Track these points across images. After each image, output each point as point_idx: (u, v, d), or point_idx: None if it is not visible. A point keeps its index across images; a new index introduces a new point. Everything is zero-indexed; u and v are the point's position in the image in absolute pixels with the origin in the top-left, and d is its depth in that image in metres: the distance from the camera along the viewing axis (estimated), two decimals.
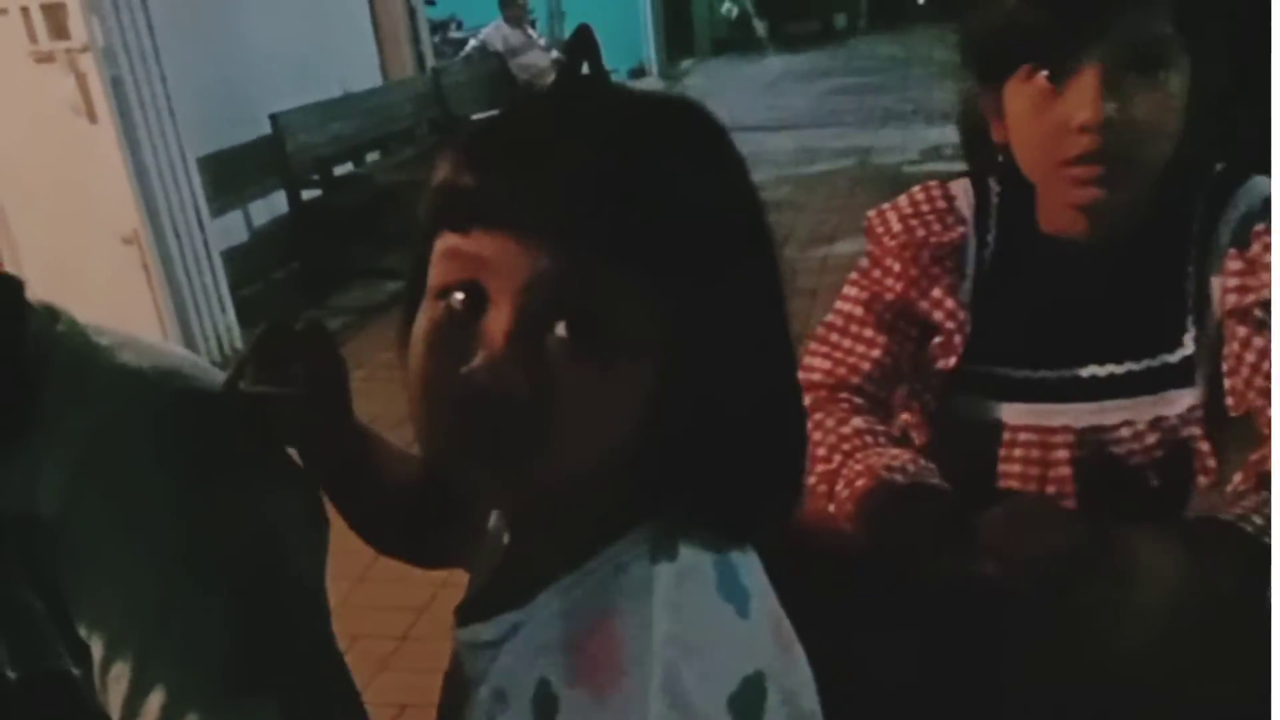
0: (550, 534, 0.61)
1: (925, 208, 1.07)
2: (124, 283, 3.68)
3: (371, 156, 5.79)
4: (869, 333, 1.07)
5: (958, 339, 1.02)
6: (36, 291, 0.74)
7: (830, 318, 1.11)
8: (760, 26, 14.25)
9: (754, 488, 0.59)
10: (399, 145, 5.98)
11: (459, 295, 0.53)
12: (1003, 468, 1.02)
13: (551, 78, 5.88)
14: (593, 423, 0.53)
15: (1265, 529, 0.84)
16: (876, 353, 1.07)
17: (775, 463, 0.60)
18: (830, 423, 1.04)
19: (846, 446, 1.01)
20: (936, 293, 1.04)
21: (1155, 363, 0.97)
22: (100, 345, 0.72)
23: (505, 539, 0.67)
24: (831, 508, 1.00)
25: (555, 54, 7.85)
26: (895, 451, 1.00)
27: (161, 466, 0.67)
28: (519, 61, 7.47)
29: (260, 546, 0.70)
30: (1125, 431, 0.98)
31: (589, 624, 0.55)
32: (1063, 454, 0.99)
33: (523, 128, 0.56)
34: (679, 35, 12.94)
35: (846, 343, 1.08)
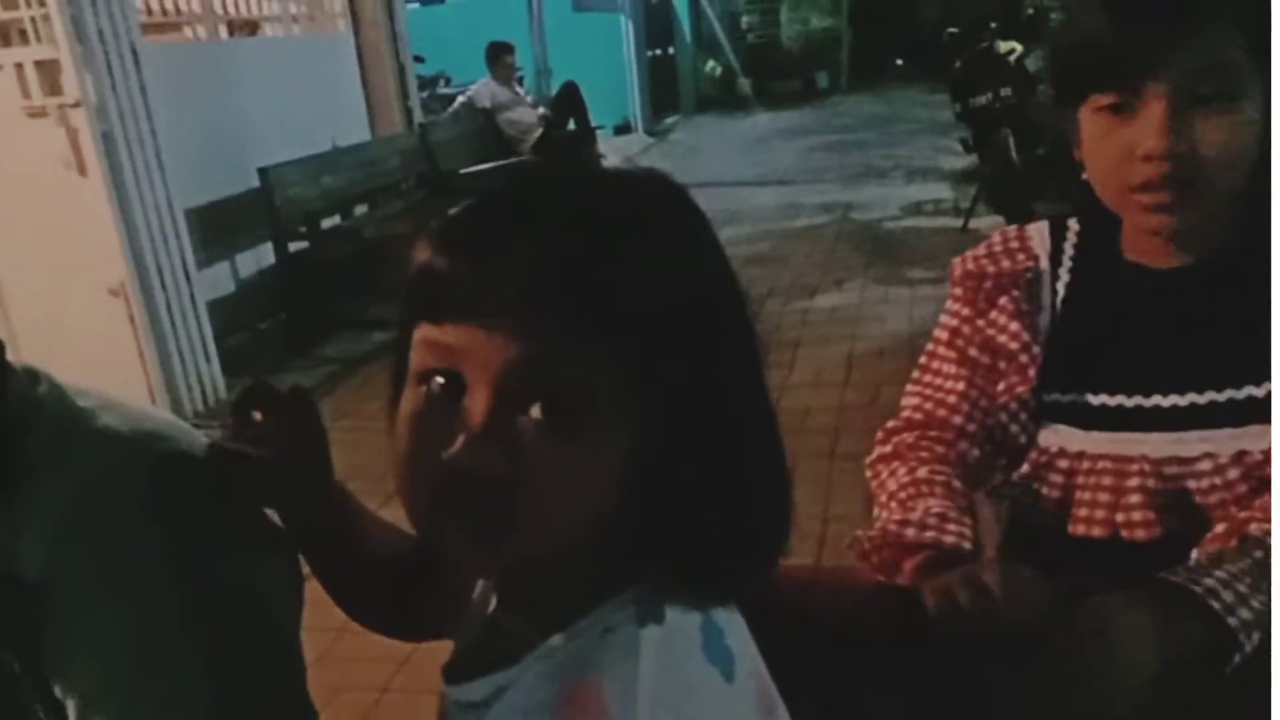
0: (537, 596, 0.61)
1: (998, 247, 1.12)
2: (110, 333, 3.69)
3: (359, 209, 5.83)
4: (951, 368, 1.12)
5: (1026, 361, 1.06)
6: (24, 341, 0.76)
7: (922, 361, 1.17)
8: (744, 85, 14.48)
9: (735, 550, 0.60)
10: (387, 199, 6.02)
11: (438, 380, 0.55)
12: (1078, 495, 1.02)
13: (538, 134, 5.97)
14: (567, 498, 0.54)
15: (1231, 607, 0.83)
16: (961, 385, 1.11)
17: (756, 524, 0.61)
18: (901, 470, 1.08)
19: (903, 495, 1.05)
20: (1001, 319, 1.08)
21: (1240, 395, 0.95)
22: (82, 408, 0.72)
23: (493, 600, 0.67)
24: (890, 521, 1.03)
25: (542, 110, 7.96)
26: (933, 504, 1.01)
27: (142, 532, 0.67)
28: (506, 117, 7.56)
29: (240, 611, 0.70)
30: (1206, 464, 0.96)
31: (574, 687, 0.55)
32: (1135, 481, 0.98)
33: (488, 216, 0.57)
34: (664, 92, 13.13)
35: (935, 380, 1.14)
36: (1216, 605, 0.82)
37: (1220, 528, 0.93)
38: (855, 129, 10.89)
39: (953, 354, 1.13)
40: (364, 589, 0.83)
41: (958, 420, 1.11)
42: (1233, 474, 0.96)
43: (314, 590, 0.83)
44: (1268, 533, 0.88)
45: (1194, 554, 0.93)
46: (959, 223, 5.77)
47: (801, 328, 4.48)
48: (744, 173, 8.91)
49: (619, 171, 0.64)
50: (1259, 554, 0.86)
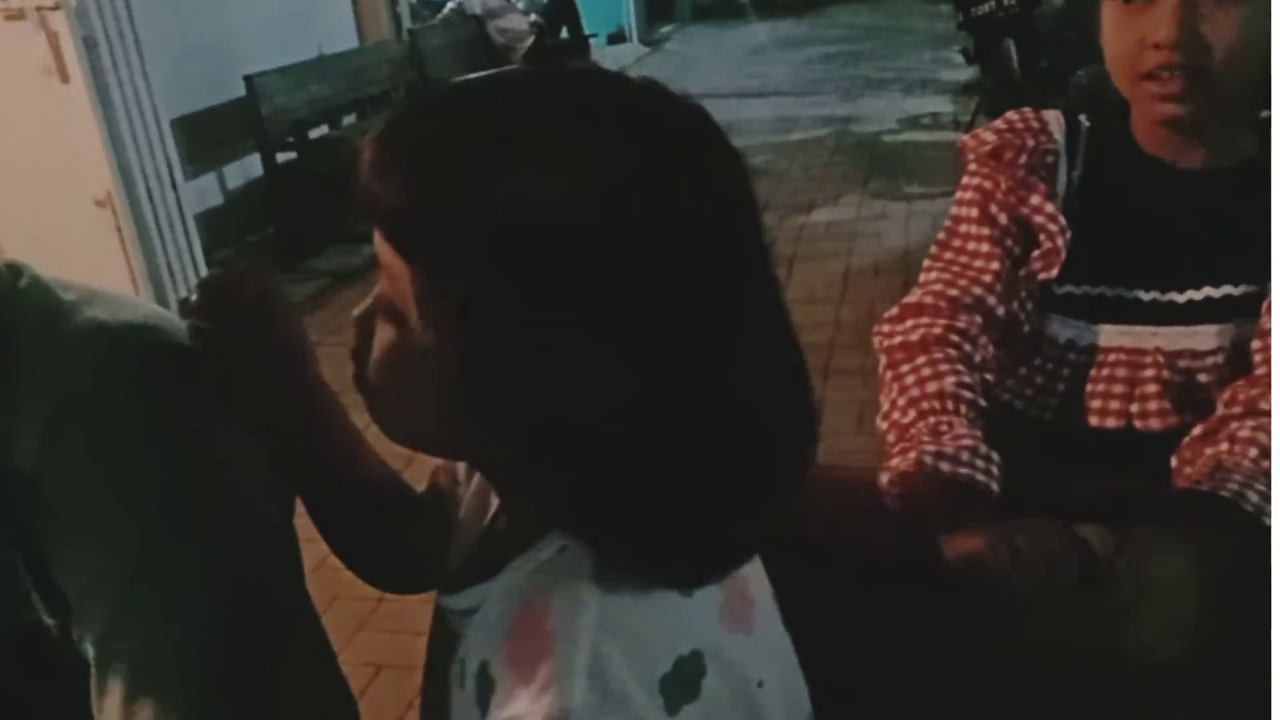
0: (513, 513, 0.62)
1: (1019, 124, 1.10)
2: (98, 245, 3.64)
3: (348, 119, 5.73)
4: (985, 246, 1.07)
5: (1060, 243, 1.04)
6: (9, 252, 0.74)
7: (942, 236, 1.11)
8: None
9: (657, 529, 0.55)
10: (375, 108, 5.91)
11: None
12: (1090, 387, 1.03)
13: (529, 42, 5.84)
14: (399, 388, 0.57)
15: (1262, 506, 0.84)
16: (995, 264, 1.06)
17: (693, 511, 0.55)
18: (926, 370, 1.02)
19: (926, 406, 0.99)
20: (1035, 199, 1.05)
21: (1251, 289, 0.98)
22: (66, 301, 0.72)
23: (489, 514, 0.68)
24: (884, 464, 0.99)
25: (534, 18, 7.78)
26: (964, 433, 0.96)
27: (132, 423, 0.67)
28: (497, 25, 7.39)
29: (233, 500, 0.70)
30: (1219, 357, 0.99)
31: (524, 608, 0.56)
32: (1150, 373, 1.00)
33: (403, 123, 0.56)
34: (659, 1, 12.84)
35: (963, 257, 1.08)
36: (1249, 508, 0.84)
37: (1198, 430, 0.94)
38: (854, 40, 10.69)
39: (985, 229, 1.07)
40: (351, 520, 0.81)
41: (991, 300, 1.06)
42: (1238, 364, 0.98)
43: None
44: (1256, 429, 0.90)
45: (1173, 458, 0.94)
46: (959, 136, 5.69)
47: (797, 243, 4.45)
48: (741, 84, 8.77)
49: (602, 82, 0.58)
50: (1254, 452, 0.88)
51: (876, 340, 1.10)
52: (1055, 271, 1.04)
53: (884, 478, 0.96)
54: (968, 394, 1.00)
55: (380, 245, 0.55)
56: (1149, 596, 0.81)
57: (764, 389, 0.56)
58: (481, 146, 0.51)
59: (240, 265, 0.72)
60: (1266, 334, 0.95)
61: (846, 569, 0.98)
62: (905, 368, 1.04)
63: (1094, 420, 1.02)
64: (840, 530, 1.01)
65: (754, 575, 0.65)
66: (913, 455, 0.95)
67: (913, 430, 0.98)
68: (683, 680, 0.54)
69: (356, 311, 0.60)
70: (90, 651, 0.66)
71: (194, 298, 0.72)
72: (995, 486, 0.94)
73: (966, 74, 6.85)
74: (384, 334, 0.57)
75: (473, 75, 0.57)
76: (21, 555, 0.67)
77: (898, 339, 1.07)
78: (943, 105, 6.95)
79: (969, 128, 5.57)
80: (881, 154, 5.91)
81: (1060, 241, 1.04)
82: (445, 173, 0.52)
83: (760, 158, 6.03)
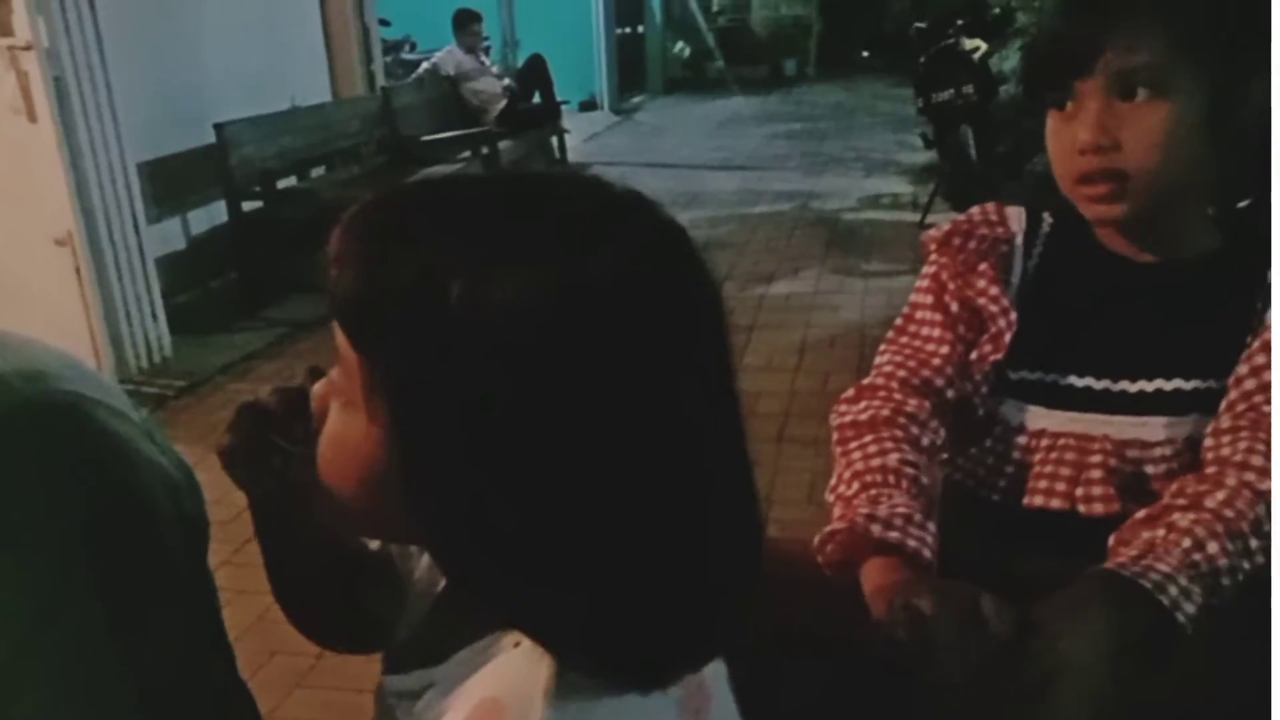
0: (468, 598, 0.61)
1: (977, 217, 1.14)
2: (55, 284, 3.61)
3: (317, 171, 5.75)
4: (936, 330, 1.12)
5: (1004, 326, 1.07)
6: None
7: (899, 321, 1.16)
8: (712, 68, 14.46)
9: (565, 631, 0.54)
10: (345, 162, 5.94)
11: None
12: (1038, 469, 1.05)
13: (502, 105, 5.91)
14: (342, 474, 0.57)
15: (1179, 601, 0.85)
16: (945, 348, 1.11)
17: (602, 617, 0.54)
18: (872, 447, 1.05)
19: (869, 479, 1.02)
20: (982, 284, 1.09)
21: (1204, 385, 1.00)
22: None
23: (441, 584, 0.67)
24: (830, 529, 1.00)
25: (507, 81, 7.89)
26: (901, 502, 0.99)
27: (18, 475, 0.65)
28: (471, 87, 7.49)
29: (135, 552, 0.68)
30: (1166, 449, 1.01)
31: (479, 697, 0.55)
32: (1098, 459, 1.02)
33: (365, 215, 0.57)
34: (631, 71, 13.07)
35: (916, 341, 1.13)
36: (1165, 600, 0.85)
37: (1141, 514, 0.96)
38: (819, 118, 10.93)
39: (938, 315, 1.12)
40: (300, 573, 0.79)
41: (940, 382, 1.10)
42: (1188, 459, 1.00)
43: (253, 552, 0.81)
44: (1194, 523, 0.90)
45: (1111, 538, 0.96)
46: (916, 217, 5.83)
47: (757, 312, 4.50)
48: (707, 156, 8.91)
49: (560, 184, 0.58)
50: (1187, 543, 0.89)
51: (832, 419, 1.14)
52: (1002, 355, 1.07)
53: (817, 540, 0.99)
54: (910, 470, 1.03)
55: (337, 331, 0.55)
56: (1062, 673, 0.82)
57: (714, 499, 0.55)
58: (436, 248, 0.52)
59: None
60: (1221, 433, 0.97)
61: (792, 642, 1.00)
62: (854, 445, 1.07)
63: (1039, 501, 1.04)
64: (784, 603, 1.03)
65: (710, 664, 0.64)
66: (847, 518, 0.98)
67: (855, 501, 1.01)
68: None
69: (316, 388, 0.61)
70: None
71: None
72: (927, 553, 0.95)
73: (925, 157, 7.01)
74: (334, 419, 0.58)
75: (439, 173, 0.59)
76: None
77: (849, 418, 1.11)
78: (902, 186, 7.10)
79: (927, 209, 5.72)
80: (841, 231, 6.02)
81: (1004, 323, 1.07)
82: (396, 270, 0.52)
83: (724, 229, 6.12)
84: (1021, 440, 1.07)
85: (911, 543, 0.95)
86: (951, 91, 5.46)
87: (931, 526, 0.98)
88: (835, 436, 1.11)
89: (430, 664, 0.59)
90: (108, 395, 0.72)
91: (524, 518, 0.51)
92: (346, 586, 0.79)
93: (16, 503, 0.64)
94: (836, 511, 1.02)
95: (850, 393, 1.14)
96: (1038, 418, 1.06)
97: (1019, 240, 1.12)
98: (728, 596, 0.57)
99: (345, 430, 0.57)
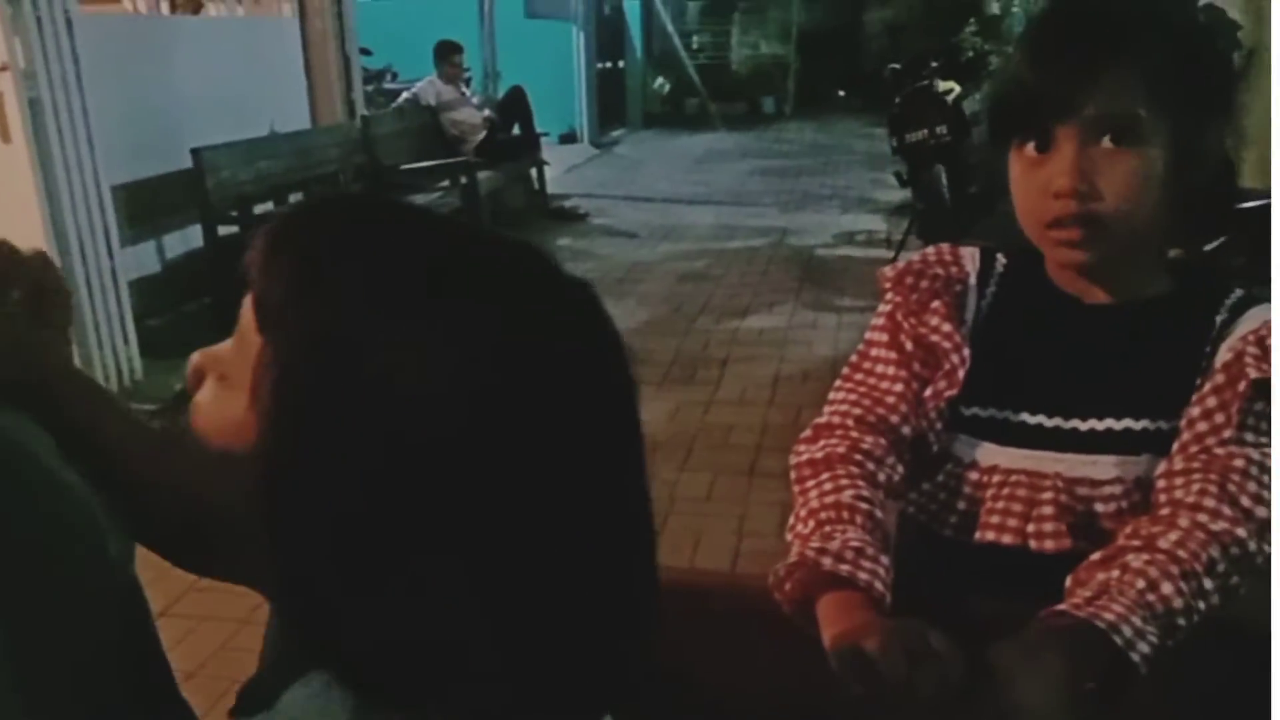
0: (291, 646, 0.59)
1: (932, 257, 1.15)
2: None
3: (294, 197, 5.73)
4: (890, 369, 1.12)
5: (957, 362, 1.07)
6: None
7: (854, 359, 1.16)
8: (692, 103, 14.60)
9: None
10: (323, 189, 5.93)
11: None
12: (989, 505, 1.05)
13: (482, 135, 5.94)
14: (216, 439, 0.59)
15: (1134, 641, 0.86)
16: (899, 386, 1.11)
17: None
18: (828, 484, 1.05)
19: (824, 515, 1.02)
20: (935, 321, 1.10)
21: (1154, 425, 1.01)
22: None
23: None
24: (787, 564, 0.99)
25: (488, 112, 7.92)
26: (853, 536, 0.99)
27: None
28: (450, 117, 7.52)
29: (24, 564, 0.66)
30: (1116, 488, 1.02)
31: None
32: (1049, 495, 1.03)
33: (288, 225, 0.59)
34: (611, 105, 13.18)
35: (871, 379, 1.13)
36: (1119, 640, 0.85)
37: (1096, 555, 0.96)
38: (796, 155, 11.05)
39: (893, 353, 1.12)
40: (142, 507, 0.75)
41: (895, 419, 1.10)
42: (1136, 497, 1.01)
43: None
44: (1148, 563, 0.91)
45: (1068, 580, 0.96)
46: (890, 254, 5.89)
47: (731, 346, 4.53)
48: (685, 190, 8.98)
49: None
50: (1141, 584, 0.90)
51: (791, 459, 1.14)
52: (956, 391, 1.08)
53: (772, 578, 0.98)
54: (864, 505, 1.03)
55: (246, 310, 0.57)
56: (1019, 717, 0.82)
57: (609, 557, 0.55)
58: (348, 262, 0.54)
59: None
60: (1174, 475, 0.98)
61: (744, 685, 0.99)
62: (810, 483, 1.08)
63: (991, 536, 1.05)
64: (747, 640, 1.03)
65: None
66: (799, 553, 0.98)
67: (810, 538, 1.01)
68: None
69: (196, 356, 0.62)
70: None
71: None
72: (880, 586, 0.96)
73: (900, 196, 7.09)
74: (209, 390, 0.60)
75: (365, 192, 0.60)
76: None
77: (806, 456, 1.11)
78: (877, 223, 7.18)
79: (900, 247, 5.78)
80: (816, 266, 6.08)
81: (958, 359, 1.08)
82: (325, 280, 0.53)
83: (700, 262, 6.16)
84: (974, 476, 1.07)
85: (863, 575, 0.95)
86: (925, 132, 5.54)
87: (885, 560, 0.98)
88: (794, 475, 1.11)
89: (266, 707, 0.56)
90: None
91: (368, 556, 0.50)
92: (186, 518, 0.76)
93: None
94: (794, 549, 1.02)
95: (808, 432, 1.14)
96: (990, 454, 1.07)
97: (972, 280, 1.13)
98: (598, 654, 0.56)
99: (218, 405, 0.59)
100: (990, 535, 1.05)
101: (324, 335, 0.52)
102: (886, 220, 7.17)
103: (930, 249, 1.17)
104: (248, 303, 0.57)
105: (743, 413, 3.71)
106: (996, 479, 1.06)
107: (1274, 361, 0.97)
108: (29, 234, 3.54)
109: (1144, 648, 0.85)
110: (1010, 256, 1.14)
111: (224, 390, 0.59)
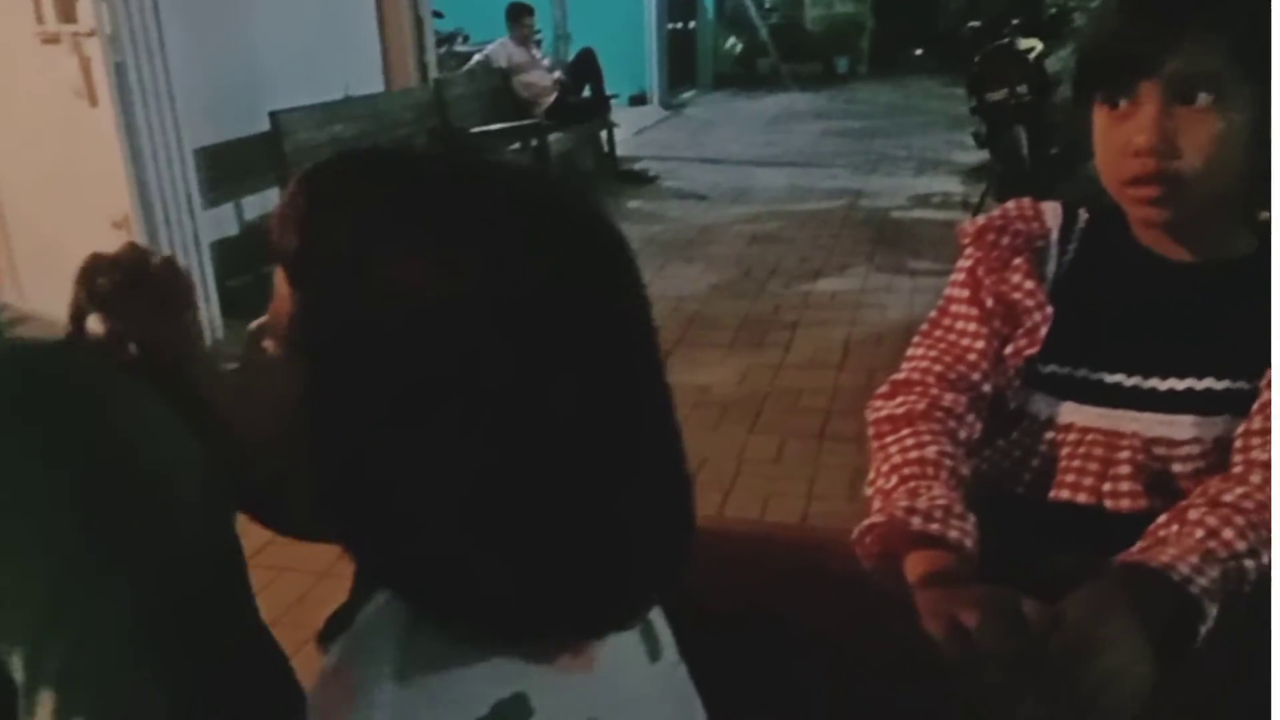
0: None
1: (1013, 213, 1.14)
2: None
3: None
4: (972, 325, 1.12)
5: (1039, 320, 1.07)
6: (24, 268, 0.76)
7: (933, 315, 1.16)
8: (764, 64, 14.40)
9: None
10: None
11: None
12: (1065, 464, 1.05)
13: (553, 98, 5.94)
14: (264, 398, 0.61)
15: (1191, 577, 0.86)
16: (981, 343, 1.11)
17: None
18: (909, 440, 1.06)
19: (908, 471, 1.03)
20: (1017, 278, 1.09)
21: (1234, 385, 1.01)
22: None
23: None
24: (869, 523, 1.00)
25: (558, 74, 7.91)
26: (940, 494, 0.99)
27: (26, 442, 0.67)
28: (521, 79, 7.52)
29: (148, 501, 0.70)
30: (1194, 448, 1.01)
31: (336, 656, 0.57)
32: (1125, 455, 1.02)
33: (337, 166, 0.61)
34: (682, 66, 13.06)
35: (951, 336, 1.13)
36: (1176, 577, 0.86)
37: (1163, 517, 0.96)
38: (870, 116, 10.85)
39: (974, 310, 1.12)
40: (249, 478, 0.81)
41: (975, 377, 1.10)
42: (1213, 458, 1.00)
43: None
44: (1208, 513, 0.92)
45: (1137, 544, 0.95)
46: (967, 217, 5.77)
47: (802, 309, 4.49)
48: (756, 152, 8.89)
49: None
50: (1200, 533, 0.90)
51: (868, 414, 1.14)
52: (1037, 349, 1.07)
53: (855, 533, 0.99)
54: (948, 462, 1.03)
55: (277, 270, 0.59)
56: (1096, 653, 0.82)
57: (628, 493, 0.56)
58: (377, 221, 0.55)
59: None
60: (1251, 434, 0.97)
61: (797, 633, 1.00)
62: (890, 439, 1.08)
63: (1066, 494, 1.04)
64: (792, 591, 1.04)
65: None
66: (886, 511, 0.98)
67: (893, 494, 1.01)
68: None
69: (252, 325, 0.64)
70: (18, 672, 0.66)
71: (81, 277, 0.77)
72: (969, 544, 0.96)
73: (977, 157, 6.94)
74: (267, 350, 0.62)
75: (397, 146, 0.61)
76: None
77: (885, 413, 1.11)
78: (953, 186, 7.04)
79: (977, 209, 5.66)
80: (890, 229, 5.98)
81: (1039, 318, 1.07)
82: (336, 232, 0.55)
83: (771, 225, 6.10)
84: (1050, 434, 1.07)
85: (953, 534, 0.95)
86: (1005, 91, 5.39)
87: (971, 517, 0.98)
88: (871, 431, 1.12)
89: (345, 630, 0.60)
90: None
91: (406, 481, 0.53)
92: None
93: (25, 471, 0.66)
94: (875, 505, 1.02)
95: (885, 388, 1.14)
96: (1068, 412, 1.06)
97: (1054, 235, 1.12)
98: (628, 576, 0.58)
99: (274, 368, 0.60)
100: (1065, 494, 1.04)
101: (339, 267, 0.54)
102: (963, 182, 7.02)
103: (1012, 203, 1.16)
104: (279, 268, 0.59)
105: (813, 376, 3.68)
106: (1073, 437, 1.05)
107: (1274, 359, 0.96)
108: (115, 197, 3.65)
109: (1203, 582, 0.86)
110: (1093, 212, 1.12)
111: (276, 351, 0.60)
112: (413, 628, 0.56)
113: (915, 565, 0.95)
